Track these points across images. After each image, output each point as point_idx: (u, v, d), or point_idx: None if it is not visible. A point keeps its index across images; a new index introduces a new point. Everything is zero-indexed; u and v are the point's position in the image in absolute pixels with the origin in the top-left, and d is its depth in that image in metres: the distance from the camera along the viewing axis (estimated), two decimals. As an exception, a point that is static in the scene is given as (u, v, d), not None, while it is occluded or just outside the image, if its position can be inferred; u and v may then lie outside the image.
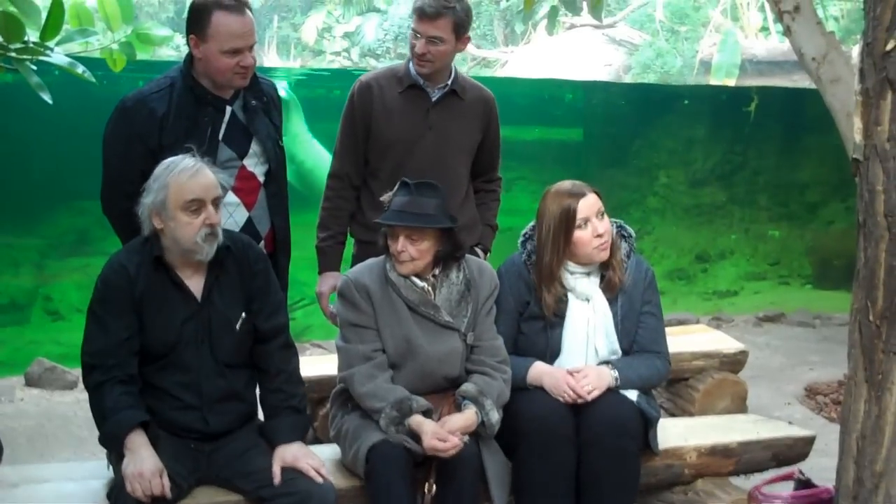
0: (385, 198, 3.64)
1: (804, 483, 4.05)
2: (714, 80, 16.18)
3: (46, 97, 4.70)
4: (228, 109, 3.82)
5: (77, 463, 4.43)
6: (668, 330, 4.03)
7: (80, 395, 5.74)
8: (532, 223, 3.87)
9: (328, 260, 4.31)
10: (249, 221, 3.89)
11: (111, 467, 3.37)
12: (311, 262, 4.35)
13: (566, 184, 3.81)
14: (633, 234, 3.93)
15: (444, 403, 3.61)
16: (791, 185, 10.26)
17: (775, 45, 17.12)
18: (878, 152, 2.87)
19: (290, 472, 3.32)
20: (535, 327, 3.83)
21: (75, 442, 5.21)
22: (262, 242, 3.90)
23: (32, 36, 4.71)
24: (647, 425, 3.77)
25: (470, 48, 19.39)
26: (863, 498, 3.02)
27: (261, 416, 3.57)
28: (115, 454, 3.27)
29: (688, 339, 5.00)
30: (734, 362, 4.93)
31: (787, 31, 5.03)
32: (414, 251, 3.57)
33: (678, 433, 4.10)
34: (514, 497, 3.64)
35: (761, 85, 14.21)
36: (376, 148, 4.20)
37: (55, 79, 5.06)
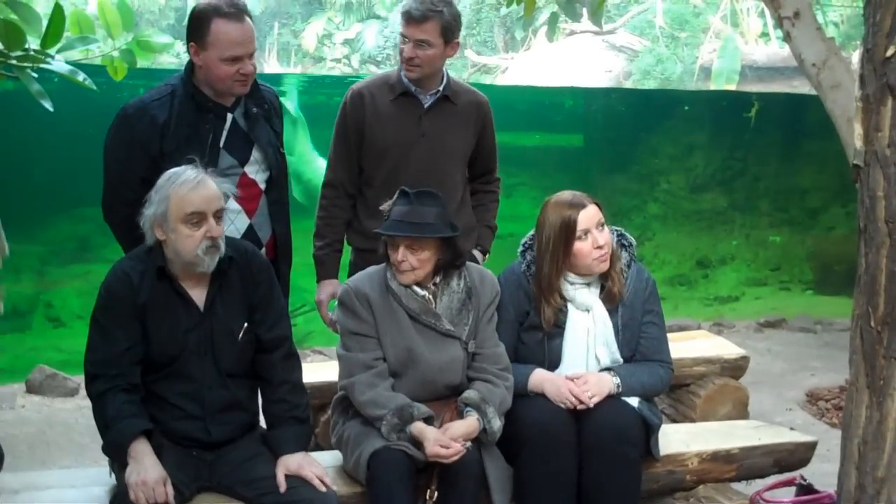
0: (384, 207, 3.63)
1: (806, 489, 4.04)
2: (714, 86, 16.18)
3: (47, 105, 4.70)
4: (229, 117, 3.82)
5: (78, 470, 4.42)
6: (669, 336, 4.03)
7: (82, 402, 5.75)
8: (532, 232, 3.86)
9: (326, 268, 4.31)
10: (251, 228, 3.89)
11: (114, 475, 3.37)
12: (312, 268, 4.36)
13: (566, 194, 3.79)
14: (634, 244, 3.92)
15: (446, 410, 3.60)
16: (792, 191, 10.25)
17: (775, 50, 17.12)
18: (879, 158, 2.87)
19: (294, 481, 3.32)
20: (535, 337, 3.82)
21: (76, 449, 5.21)
22: (264, 249, 3.90)
23: (33, 43, 4.71)
24: (649, 431, 3.77)
25: (470, 54, 19.44)
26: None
27: (262, 423, 3.57)
28: (119, 462, 3.27)
29: (689, 345, 5.00)
30: (735, 368, 4.93)
31: (787, 37, 5.00)
32: (415, 261, 3.56)
33: (679, 439, 4.10)
34: (515, 503, 3.64)
35: (761, 91, 14.22)
36: (370, 156, 4.21)
37: (56, 86, 5.06)
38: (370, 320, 3.62)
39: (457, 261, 3.69)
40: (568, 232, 3.70)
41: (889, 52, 2.82)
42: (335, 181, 4.28)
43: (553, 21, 9.24)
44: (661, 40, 17.97)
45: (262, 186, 3.93)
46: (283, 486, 3.30)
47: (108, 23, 5.28)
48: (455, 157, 4.28)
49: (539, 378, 3.76)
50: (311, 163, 9.75)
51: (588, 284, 3.81)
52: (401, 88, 4.18)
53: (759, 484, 4.19)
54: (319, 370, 4.49)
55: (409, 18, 4.04)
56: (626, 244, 3.90)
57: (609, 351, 3.81)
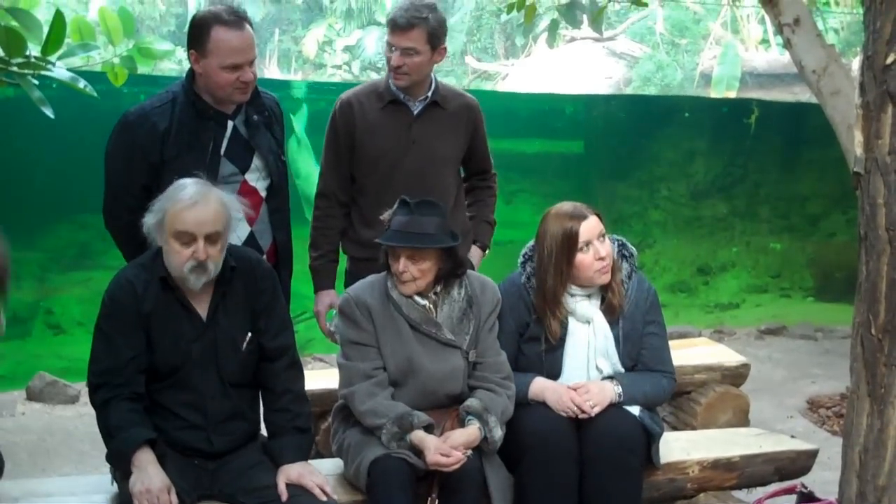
0: (385, 216, 3.62)
1: (807, 496, 4.03)
2: (714, 93, 16.18)
3: (48, 111, 4.70)
4: (230, 124, 3.82)
5: (79, 477, 4.41)
6: (669, 343, 4.02)
7: (82, 410, 5.74)
8: (531, 243, 3.85)
9: (322, 279, 4.32)
10: (251, 236, 3.89)
11: (116, 483, 3.37)
12: (312, 276, 4.36)
13: (566, 206, 3.78)
14: (635, 254, 3.90)
15: (447, 418, 3.60)
16: (792, 198, 10.25)
17: (776, 57, 17.11)
18: (879, 165, 2.87)
19: (295, 489, 3.32)
20: (536, 349, 3.82)
21: (77, 456, 5.21)
22: (265, 257, 3.90)
23: (34, 50, 4.72)
24: (650, 440, 3.76)
25: (470, 61, 19.44)
26: (866, 512, 3.01)
27: (263, 432, 3.56)
28: (122, 471, 3.26)
29: (689, 353, 5.00)
30: (736, 375, 4.93)
31: (788, 44, 5.01)
32: (416, 271, 3.56)
33: (680, 447, 4.09)
34: (516, 511, 3.63)
35: (762, 97, 14.21)
36: (362, 165, 4.21)
37: (56, 93, 5.06)
38: (370, 329, 3.61)
39: (458, 270, 3.68)
40: (570, 244, 3.68)
41: (889, 60, 2.82)
42: (327, 191, 4.28)
43: (553, 28, 9.24)
44: (661, 47, 17.97)
45: (263, 194, 3.93)
46: (284, 495, 3.30)
47: (109, 29, 5.28)
48: (447, 163, 4.28)
49: (540, 386, 3.76)
50: (315, 184, 9.72)
51: (589, 296, 3.80)
52: (389, 96, 4.18)
53: (760, 492, 4.18)
54: (320, 378, 4.49)
55: (395, 27, 4.04)
56: (627, 254, 3.88)
57: (610, 362, 3.80)
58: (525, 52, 19.33)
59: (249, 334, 3.43)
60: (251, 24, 3.78)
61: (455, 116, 4.26)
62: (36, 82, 4.74)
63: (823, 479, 4.15)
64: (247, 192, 3.85)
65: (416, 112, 4.19)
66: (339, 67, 21.44)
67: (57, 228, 9.07)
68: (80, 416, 5.69)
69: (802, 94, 12.69)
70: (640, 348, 3.85)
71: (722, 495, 4.04)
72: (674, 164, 10.56)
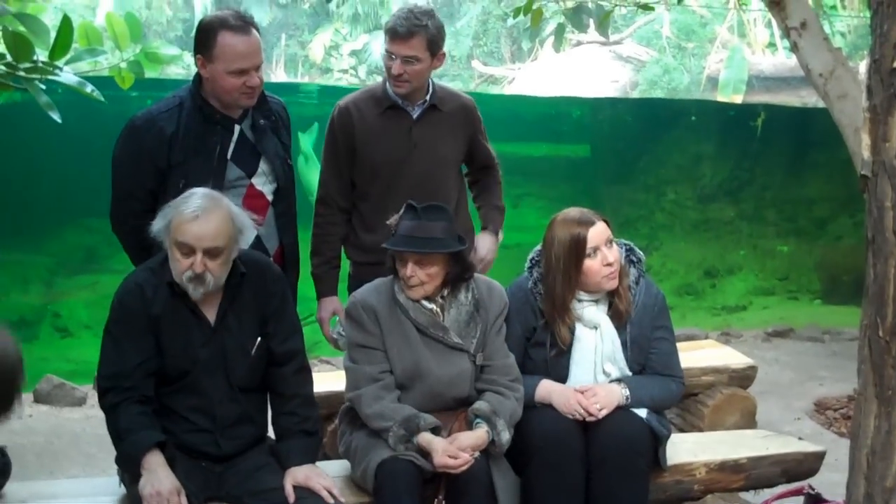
0: (391, 221, 3.62)
1: (814, 498, 4.03)
2: (721, 97, 16.17)
3: (55, 116, 4.72)
4: (237, 128, 3.83)
5: (86, 479, 4.43)
6: (677, 346, 4.02)
7: (90, 412, 5.75)
8: (538, 247, 3.85)
9: (325, 285, 4.31)
10: (258, 240, 3.89)
11: (124, 486, 3.38)
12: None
13: (574, 212, 3.77)
14: (643, 259, 3.90)
15: (454, 420, 3.60)
16: (799, 201, 10.25)
17: (782, 60, 17.09)
18: (887, 169, 2.86)
19: (302, 492, 3.32)
20: (543, 354, 3.81)
21: (84, 458, 5.22)
22: (271, 259, 3.91)
23: (42, 55, 4.74)
24: (657, 442, 3.76)
25: (477, 65, 19.46)
26: (873, 514, 3.01)
27: (271, 434, 3.57)
28: (131, 474, 3.27)
29: (697, 355, 4.99)
30: (743, 377, 4.92)
31: (794, 47, 5.03)
32: (423, 275, 3.56)
33: (687, 449, 4.09)
34: (523, 514, 3.63)
35: (768, 101, 14.22)
36: (363, 171, 4.20)
37: (64, 97, 5.08)
38: (377, 333, 3.61)
39: (465, 274, 3.68)
40: (578, 250, 3.68)
41: (896, 63, 2.82)
42: (328, 198, 4.27)
43: (560, 32, 9.24)
44: (667, 50, 17.97)
45: (270, 198, 3.94)
46: (291, 497, 3.30)
47: (116, 34, 5.30)
48: (448, 164, 4.28)
49: (546, 389, 3.76)
50: None
51: (596, 301, 3.80)
52: (388, 102, 4.17)
53: (767, 494, 4.18)
54: (327, 380, 4.49)
55: (395, 35, 4.02)
56: (635, 259, 3.88)
57: (617, 368, 3.79)
58: (531, 56, 19.35)
59: (259, 339, 3.44)
60: (258, 29, 3.79)
61: (453, 118, 4.26)
62: (43, 87, 4.76)
63: (831, 480, 4.14)
64: (253, 196, 3.86)
65: (415, 116, 4.19)
66: (346, 72, 21.47)
67: (64, 232, 9.11)
68: (88, 419, 5.70)
69: (809, 98, 12.69)
70: (648, 353, 3.84)
71: (729, 497, 4.03)
72: (680, 168, 10.58)
